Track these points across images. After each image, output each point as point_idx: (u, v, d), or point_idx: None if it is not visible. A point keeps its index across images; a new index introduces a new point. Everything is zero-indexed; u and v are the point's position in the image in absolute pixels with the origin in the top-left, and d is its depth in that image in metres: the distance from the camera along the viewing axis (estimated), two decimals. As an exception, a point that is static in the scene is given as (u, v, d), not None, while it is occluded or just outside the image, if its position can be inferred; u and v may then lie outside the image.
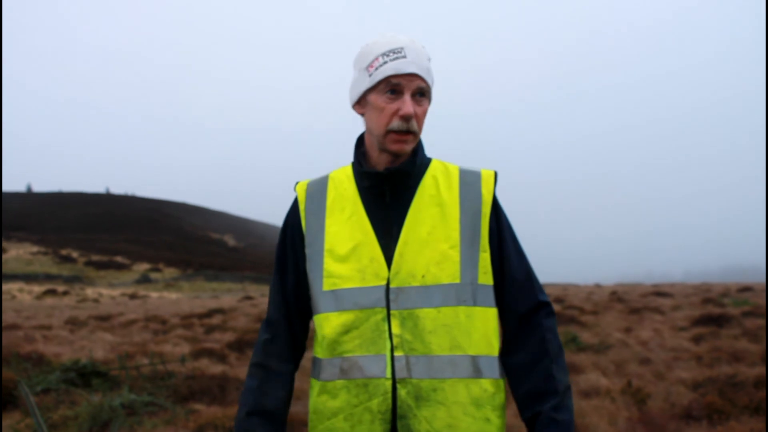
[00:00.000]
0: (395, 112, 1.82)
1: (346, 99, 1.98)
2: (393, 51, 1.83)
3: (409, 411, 1.78)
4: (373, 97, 1.86)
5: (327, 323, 1.88)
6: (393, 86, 1.82)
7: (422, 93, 1.84)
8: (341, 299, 1.86)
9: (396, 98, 1.83)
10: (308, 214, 1.97)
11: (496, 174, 1.95)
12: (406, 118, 1.81)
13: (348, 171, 1.99)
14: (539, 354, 1.84)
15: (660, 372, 8.76)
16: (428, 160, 1.97)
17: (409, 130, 1.83)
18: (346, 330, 1.84)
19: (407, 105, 1.81)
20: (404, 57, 1.82)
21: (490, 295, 1.87)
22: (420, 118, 1.85)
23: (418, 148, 1.95)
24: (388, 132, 1.84)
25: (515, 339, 1.89)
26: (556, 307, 19.30)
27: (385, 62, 1.82)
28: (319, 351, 1.93)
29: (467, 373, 1.80)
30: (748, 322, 13.84)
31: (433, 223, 1.86)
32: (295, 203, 2.01)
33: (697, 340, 11.94)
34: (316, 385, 1.92)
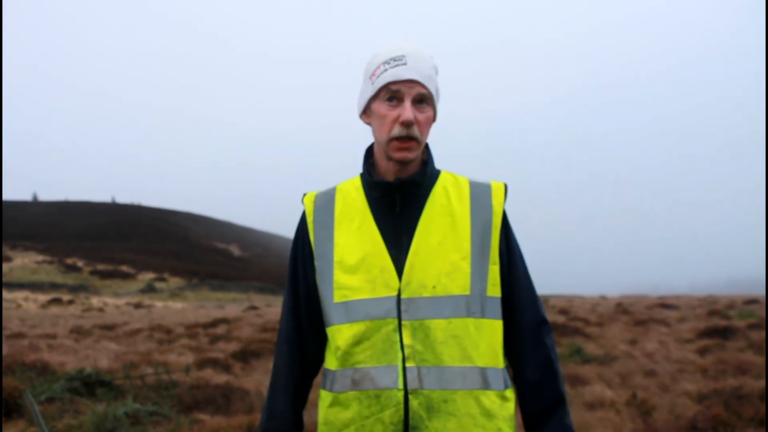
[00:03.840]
0: (396, 119, 1.83)
1: (355, 108, 2.01)
2: (394, 59, 1.85)
3: (421, 422, 1.78)
4: (376, 105, 1.88)
5: (339, 335, 1.88)
6: (393, 93, 1.84)
7: (424, 100, 1.85)
8: (352, 310, 1.85)
9: (397, 105, 1.84)
10: (316, 226, 1.97)
11: (506, 186, 1.95)
12: (407, 124, 1.82)
13: (356, 182, 1.99)
14: (548, 374, 1.89)
15: (665, 384, 8.74)
16: (438, 172, 1.97)
17: (410, 137, 1.83)
18: (358, 341, 1.84)
19: (407, 111, 1.81)
20: (404, 64, 1.83)
21: (498, 308, 1.87)
22: (422, 125, 1.85)
23: (428, 158, 1.95)
24: (391, 140, 1.85)
25: (521, 355, 1.92)
26: (561, 319, 19.23)
27: (386, 70, 1.84)
28: (331, 362, 1.93)
29: (477, 385, 1.80)
30: (754, 334, 13.79)
31: (444, 233, 1.86)
32: (303, 216, 2.02)
33: (702, 352, 11.91)
34: (327, 397, 1.92)
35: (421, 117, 1.84)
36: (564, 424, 1.87)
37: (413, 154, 1.86)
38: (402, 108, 1.83)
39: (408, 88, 1.83)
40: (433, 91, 1.85)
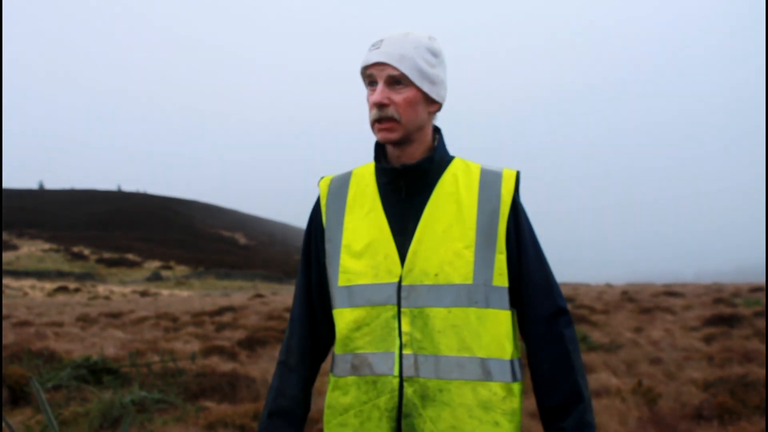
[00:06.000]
0: (373, 103, 1.83)
1: (360, 95, 2.00)
2: (374, 44, 1.86)
3: (414, 410, 1.77)
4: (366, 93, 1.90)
5: (340, 319, 1.88)
6: (369, 78, 1.85)
7: (399, 81, 1.82)
8: (354, 295, 1.85)
9: (374, 89, 1.84)
10: (329, 209, 1.97)
11: (518, 174, 1.92)
12: (379, 106, 1.82)
13: (371, 167, 1.98)
14: (565, 368, 1.83)
15: (671, 372, 8.74)
16: (450, 158, 1.95)
17: (385, 118, 1.83)
18: (358, 326, 1.84)
19: (376, 93, 1.82)
20: (378, 48, 1.83)
21: (505, 298, 1.83)
22: (400, 106, 1.82)
23: (439, 144, 1.93)
24: (373, 123, 1.85)
25: (537, 347, 1.86)
26: (567, 307, 19.14)
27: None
28: (335, 346, 1.94)
29: (475, 376, 1.78)
30: (760, 322, 13.76)
31: (449, 221, 1.84)
32: (318, 199, 2.02)
33: (708, 340, 11.89)
34: (331, 380, 1.93)
35: (397, 98, 1.82)
36: (584, 420, 1.80)
37: (395, 135, 1.84)
38: (375, 90, 1.84)
39: (379, 71, 1.83)
40: (406, 71, 1.81)
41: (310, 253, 2.02)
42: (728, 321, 14.19)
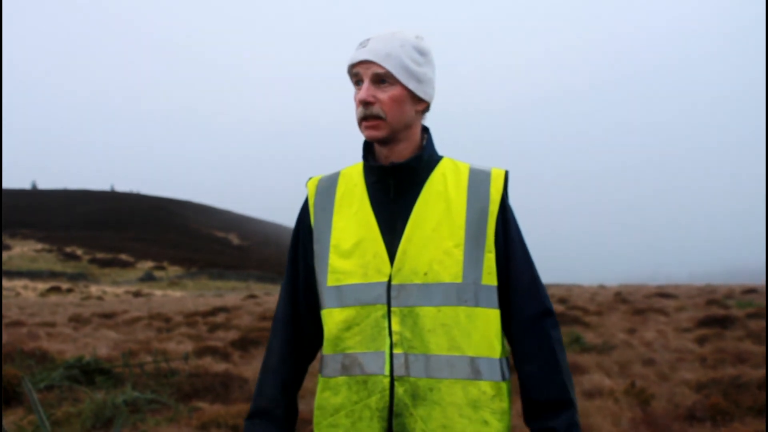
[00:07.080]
0: (359, 101, 1.84)
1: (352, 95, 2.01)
2: (361, 43, 1.86)
3: (405, 409, 1.77)
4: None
5: (330, 319, 1.87)
6: (355, 76, 1.86)
7: (383, 79, 1.83)
8: (344, 295, 1.84)
9: (361, 88, 1.85)
10: (317, 209, 1.96)
11: (506, 173, 1.92)
12: (364, 104, 1.82)
13: (359, 167, 1.98)
14: (553, 369, 1.83)
15: (664, 373, 8.75)
16: (439, 158, 1.95)
17: (370, 116, 1.83)
18: (348, 326, 1.84)
19: (362, 90, 1.82)
20: (364, 47, 1.84)
21: (494, 296, 1.83)
22: (386, 104, 1.82)
23: (427, 143, 1.93)
24: (360, 121, 1.86)
25: (524, 347, 1.86)
26: (560, 308, 19.23)
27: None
28: (324, 347, 1.93)
29: (465, 375, 1.77)
30: (753, 323, 13.79)
31: (438, 219, 1.83)
32: (306, 199, 2.01)
33: (701, 341, 11.92)
34: (320, 381, 1.92)
35: (382, 96, 1.82)
36: (573, 421, 1.80)
37: (380, 133, 1.84)
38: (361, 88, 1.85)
39: (365, 69, 1.83)
40: (392, 68, 1.82)
41: (297, 254, 2.01)
42: (721, 322, 14.23)
